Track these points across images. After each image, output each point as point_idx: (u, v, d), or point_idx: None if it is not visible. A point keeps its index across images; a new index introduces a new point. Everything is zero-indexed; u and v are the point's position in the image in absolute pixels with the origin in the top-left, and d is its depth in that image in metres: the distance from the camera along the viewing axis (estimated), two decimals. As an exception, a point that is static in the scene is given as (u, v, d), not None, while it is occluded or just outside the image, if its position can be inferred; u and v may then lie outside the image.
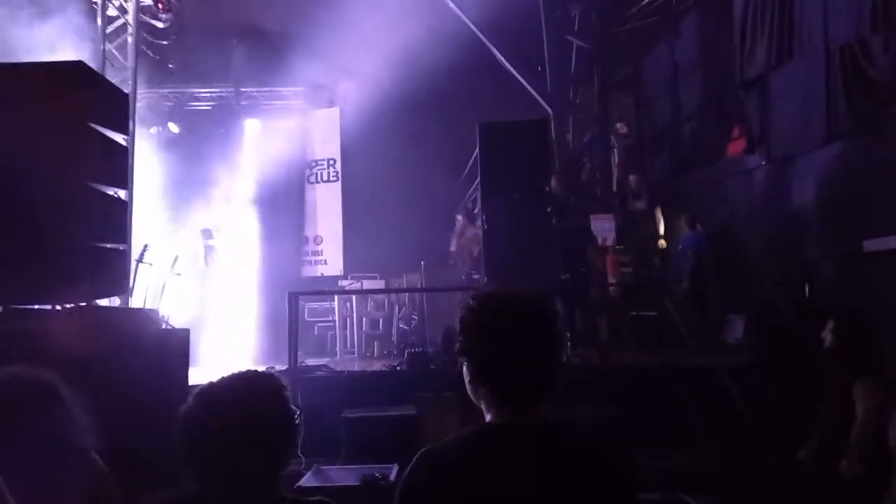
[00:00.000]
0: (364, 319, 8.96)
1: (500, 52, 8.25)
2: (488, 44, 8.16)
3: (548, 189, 6.83)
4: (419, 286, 8.87)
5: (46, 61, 4.82)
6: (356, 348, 8.70)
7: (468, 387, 1.55)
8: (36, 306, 4.28)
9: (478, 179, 7.41)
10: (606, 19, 8.51)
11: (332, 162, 10.77)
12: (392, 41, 10.20)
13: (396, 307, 8.96)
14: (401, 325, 8.96)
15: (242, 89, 10.61)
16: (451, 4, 7.99)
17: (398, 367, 6.32)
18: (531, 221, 6.54)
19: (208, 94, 10.63)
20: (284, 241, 10.27)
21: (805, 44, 6.54)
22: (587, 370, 5.60)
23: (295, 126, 10.91)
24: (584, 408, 4.48)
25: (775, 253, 7.13)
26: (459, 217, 8.76)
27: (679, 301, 7.19)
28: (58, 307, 4.29)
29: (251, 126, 10.81)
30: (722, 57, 8.23)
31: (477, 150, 7.16)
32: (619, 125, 9.01)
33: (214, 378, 1.55)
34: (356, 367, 7.14)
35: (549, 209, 6.76)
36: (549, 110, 8.41)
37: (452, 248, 8.74)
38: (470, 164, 9.22)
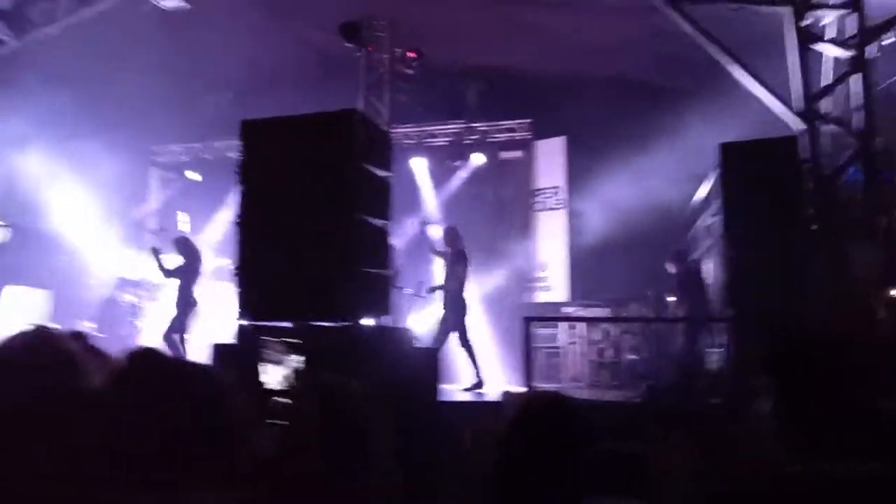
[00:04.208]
0: (590, 347, 8.88)
1: (739, 66, 7.71)
2: (722, 59, 7.68)
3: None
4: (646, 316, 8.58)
5: (326, 111, 5.49)
6: (583, 376, 8.65)
7: (769, 426, 1.51)
8: (316, 323, 4.93)
9: (712, 206, 7.00)
10: (868, 24, 7.54)
11: (556, 190, 10.92)
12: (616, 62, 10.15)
13: (627, 336, 8.75)
14: (628, 356, 8.73)
15: (473, 124, 11.22)
16: (685, 25, 7.68)
17: (633, 399, 6.15)
18: (784, 251, 5.99)
19: (444, 131, 11.43)
20: (511, 267, 10.61)
21: None
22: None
23: (521, 156, 11.30)
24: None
25: None
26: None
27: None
28: (332, 324, 4.90)
29: (478, 158, 11.39)
30: None
31: (716, 172, 6.78)
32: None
33: (523, 402, 1.66)
34: (586, 395, 7.09)
35: (807, 238, 6.14)
36: (794, 127, 7.65)
37: None
38: (703, 187, 8.74)
